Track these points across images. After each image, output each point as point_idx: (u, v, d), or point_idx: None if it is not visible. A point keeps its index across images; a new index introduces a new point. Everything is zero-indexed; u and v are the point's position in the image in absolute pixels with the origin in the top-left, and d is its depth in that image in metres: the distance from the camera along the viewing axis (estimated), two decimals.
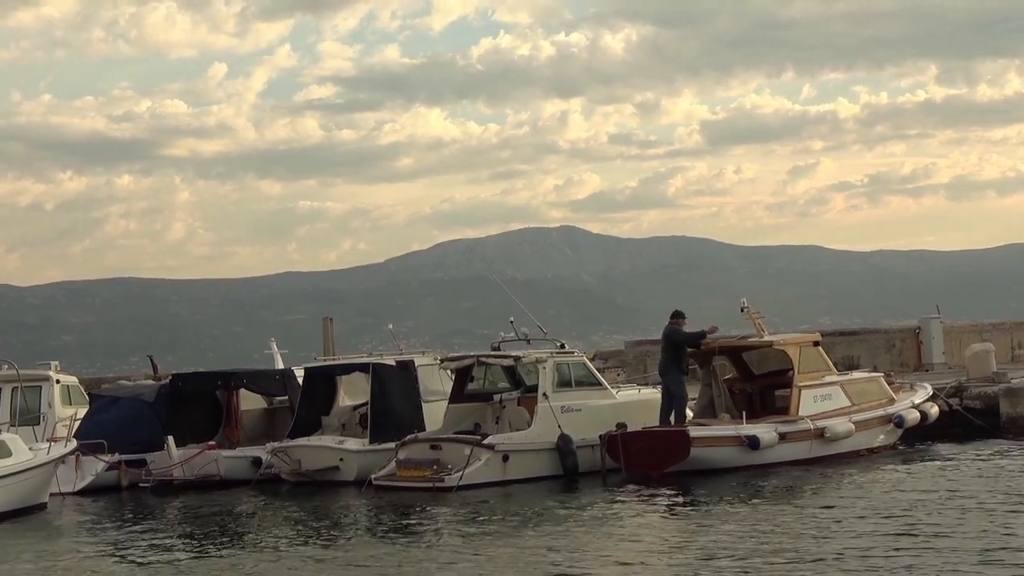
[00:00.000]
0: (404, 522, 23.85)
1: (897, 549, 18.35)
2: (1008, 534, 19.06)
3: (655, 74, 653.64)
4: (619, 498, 25.45)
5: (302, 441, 30.63)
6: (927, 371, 43.41)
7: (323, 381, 32.31)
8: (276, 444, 30.81)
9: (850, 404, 30.60)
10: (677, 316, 31.00)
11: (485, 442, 28.35)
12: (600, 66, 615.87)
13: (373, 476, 28.57)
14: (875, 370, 36.95)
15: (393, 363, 31.22)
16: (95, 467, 30.72)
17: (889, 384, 32.62)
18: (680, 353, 30.28)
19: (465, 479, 27.45)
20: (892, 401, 31.65)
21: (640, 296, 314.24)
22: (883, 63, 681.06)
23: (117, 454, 30.99)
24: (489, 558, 19.43)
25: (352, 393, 32.83)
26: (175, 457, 31.00)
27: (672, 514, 23.41)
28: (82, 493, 30.18)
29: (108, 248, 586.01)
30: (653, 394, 32.15)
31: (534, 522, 22.76)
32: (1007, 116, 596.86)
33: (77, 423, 31.65)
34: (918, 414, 31.59)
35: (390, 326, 37.56)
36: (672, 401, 29.91)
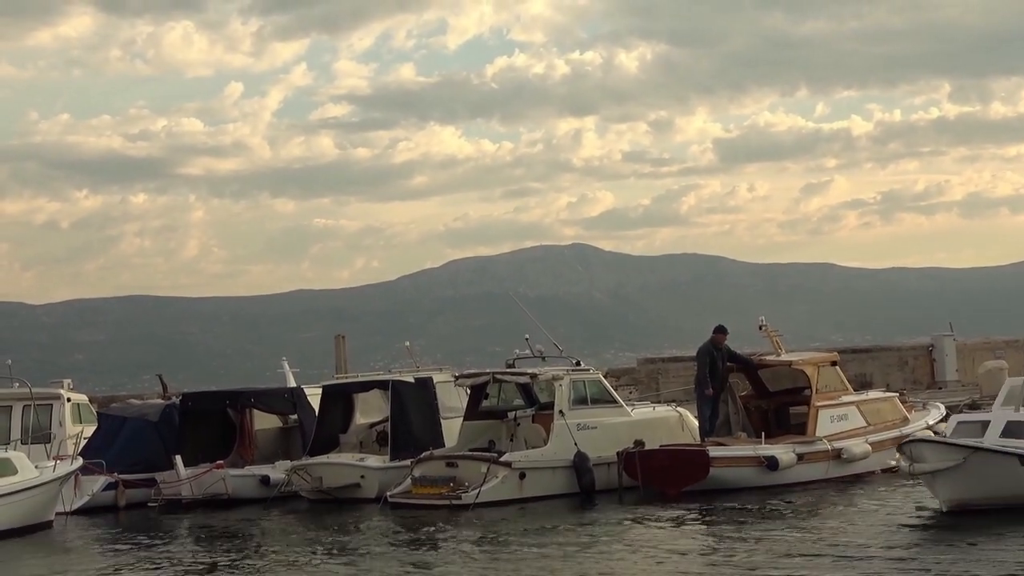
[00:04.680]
0: (422, 539, 23.82)
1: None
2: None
3: (669, 92, 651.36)
4: (637, 516, 25.37)
5: (323, 458, 30.60)
6: (940, 388, 43.37)
7: (340, 399, 32.30)
8: (296, 462, 30.79)
9: (866, 424, 30.55)
10: (716, 331, 31.01)
11: (502, 459, 28.29)
12: (614, 84, 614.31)
13: (388, 493, 28.50)
14: (889, 389, 36.88)
15: (412, 380, 31.19)
16: (92, 486, 30.69)
17: (903, 404, 32.54)
18: (705, 370, 30.31)
19: (482, 496, 27.39)
20: (906, 421, 31.57)
21: (652, 314, 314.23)
22: (896, 81, 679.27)
23: (116, 473, 30.95)
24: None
25: (367, 411, 32.82)
26: (183, 475, 30.96)
27: (691, 533, 23.36)
28: (79, 512, 30.07)
29: (122, 266, 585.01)
30: (668, 412, 32.17)
31: (552, 540, 22.70)
32: (1021, 133, 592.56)
33: (84, 442, 31.71)
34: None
35: (407, 343, 37.52)
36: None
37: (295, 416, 33.08)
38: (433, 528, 24.89)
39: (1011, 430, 23.94)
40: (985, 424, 24.54)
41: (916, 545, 20.62)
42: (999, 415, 24.72)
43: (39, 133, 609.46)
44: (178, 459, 31.12)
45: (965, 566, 18.42)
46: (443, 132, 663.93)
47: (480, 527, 24.76)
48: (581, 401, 29.80)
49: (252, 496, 30.73)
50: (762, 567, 19.11)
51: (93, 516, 29.84)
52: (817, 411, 29.86)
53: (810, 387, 30.36)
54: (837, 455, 29.27)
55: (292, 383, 36.19)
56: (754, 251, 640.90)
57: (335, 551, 22.89)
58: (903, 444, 24.06)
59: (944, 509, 23.08)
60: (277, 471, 31.13)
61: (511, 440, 30.18)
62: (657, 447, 29.16)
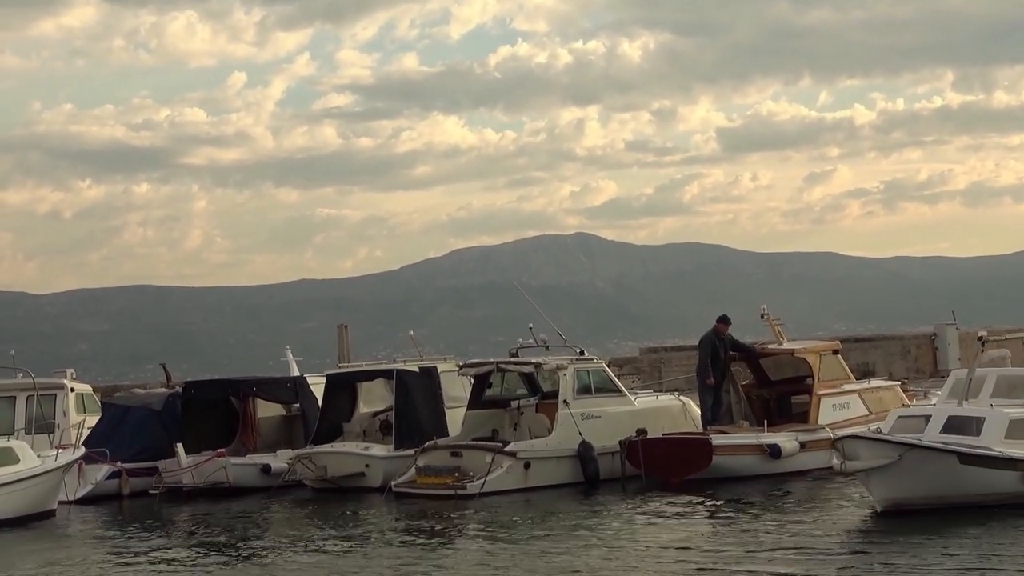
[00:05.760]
0: (428, 529, 23.86)
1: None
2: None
3: (672, 82, 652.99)
4: (642, 505, 25.43)
5: (327, 447, 30.63)
6: (943, 377, 43.27)
7: (344, 388, 32.34)
8: (301, 451, 30.83)
9: (868, 413, 30.48)
10: (719, 321, 31.11)
11: (507, 449, 28.33)
12: (617, 74, 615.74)
13: (393, 483, 28.55)
14: (891, 377, 36.89)
15: (417, 369, 31.22)
16: (96, 475, 30.76)
17: (905, 392, 32.52)
18: (707, 359, 30.37)
19: (487, 486, 27.45)
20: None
21: (655, 303, 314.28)
22: (900, 70, 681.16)
23: (119, 462, 31.01)
24: (516, 565, 19.47)
25: (370, 400, 32.83)
26: (184, 464, 31.00)
27: (695, 522, 23.37)
28: (83, 501, 30.14)
29: (125, 256, 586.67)
30: (671, 400, 32.19)
31: (557, 530, 22.78)
32: None
33: (87, 431, 31.76)
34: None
35: (411, 332, 37.54)
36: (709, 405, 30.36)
37: (298, 405, 33.13)
38: (438, 518, 24.93)
39: (953, 425, 22.99)
40: (926, 419, 23.53)
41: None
42: (941, 409, 23.85)
43: (42, 123, 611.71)
44: (179, 447, 31.11)
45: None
46: (446, 122, 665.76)
47: (485, 517, 24.81)
48: (585, 390, 29.82)
49: (253, 485, 30.74)
50: (749, 561, 19.18)
51: (97, 505, 29.89)
52: (819, 399, 29.89)
53: (812, 376, 30.39)
54: None
55: (295, 372, 36.24)
56: (757, 240, 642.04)
57: (340, 541, 22.90)
58: (836, 440, 23.08)
59: (879, 509, 22.24)
60: (278, 460, 31.16)
61: (514, 429, 30.22)
62: (660, 436, 29.22)
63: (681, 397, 32.50)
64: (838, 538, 20.55)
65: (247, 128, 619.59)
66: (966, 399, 23.71)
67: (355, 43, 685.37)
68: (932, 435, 22.79)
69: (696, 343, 32.96)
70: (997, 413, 23.11)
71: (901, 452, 21.89)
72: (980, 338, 25.05)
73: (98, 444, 30.99)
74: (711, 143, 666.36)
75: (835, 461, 22.74)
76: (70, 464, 29.11)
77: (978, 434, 22.66)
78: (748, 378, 31.99)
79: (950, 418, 23.17)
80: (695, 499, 25.66)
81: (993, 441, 22.54)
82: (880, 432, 23.54)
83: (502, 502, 26.61)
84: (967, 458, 22.10)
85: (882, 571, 17.75)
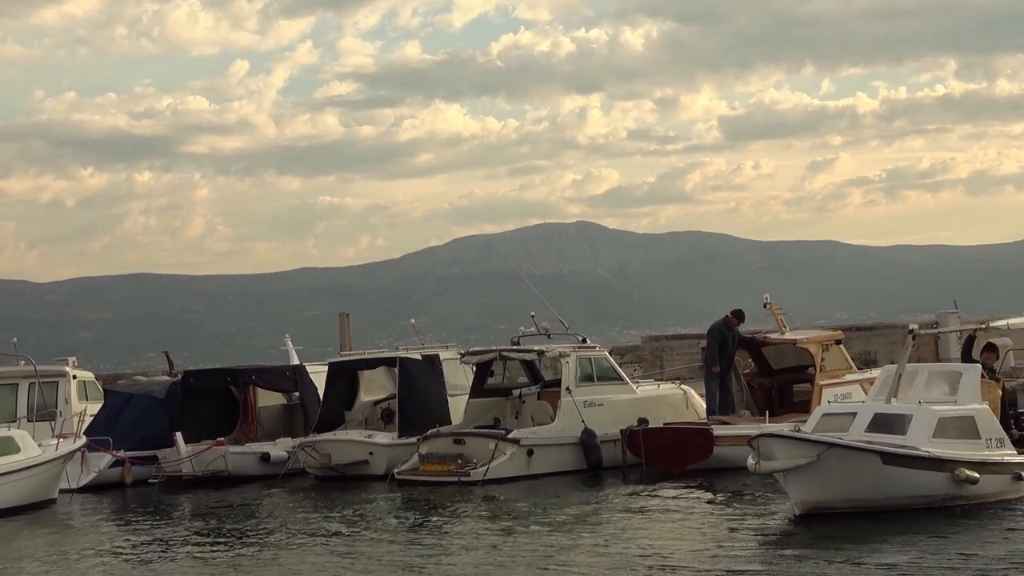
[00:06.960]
0: (433, 516, 23.87)
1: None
2: None
3: (675, 70, 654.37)
4: (644, 494, 25.41)
5: (331, 435, 30.68)
6: None
7: (345, 376, 32.34)
8: (304, 439, 30.85)
9: None
10: (734, 314, 31.14)
11: (510, 436, 28.36)
12: (620, 62, 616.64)
13: (396, 470, 28.60)
14: None
15: (420, 357, 31.21)
16: (99, 463, 30.77)
17: None
18: (715, 349, 30.39)
19: (490, 473, 27.50)
20: None
21: (657, 291, 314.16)
22: (902, 58, 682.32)
23: (122, 450, 31.02)
24: (518, 552, 19.49)
25: (371, 389, 32.83)
26: (183, 453, 31.00)
27: (697, 512, 23.32)
28: (86, 489, 30.17)
29: (127, 245, 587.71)
30: (673, 389, 32.17)
31: (558, 517, 22.83)
32: None
33: (89, 419, 31.77)
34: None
35: (412, 321, 37.49)
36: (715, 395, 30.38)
37: (297, 393, 33.13)
38: (442, 505, 24.96)
39: (879, 423, 21.77)
40: (852, 416, 22.28)
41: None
42: (867, 407, 22.62)
43: (45, 111, 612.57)
44: (178, 436, 31.14)
45: None
46: (448, 110, 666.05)
47: (489, 504, 24.89)
48: (588, 378, 29.86)
49: (252, 473, 30.81)
50: (768, 545, 19.18)
51: (99, 493, 29.92)
52: (821, 389, 29.84)
53: (814, 365, 30.36)
54: None
55: (295, 360, 36.24)
56: (759, 229, 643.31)
57: (344, 528, 22.93)
58: (752, 438, 21.64)
59: (796, 512, 20.98)
60: (278, 448, 31.23)
61: (516, 418, 30.28)
62: (661, 425, 29.21)
63: (683, 386, 32.48)
64: (750, 543, 19.70)
65: (249, 116, 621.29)
66: (895, 396, 22.59)
67: (357, 31, 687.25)
68: (857, 434, 21.61)
69: (698, 332, 33.00)
70: (925, 411, 21.85)
71: (820, 451, 20.67)
72: (911, 331, 23.75)
73: (100, 432, 31.00)
74: (713, 132, 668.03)
75: (750, 460, 21.42)
76: (70, 454, 29.12)
77: (904, 433, 21.43)
78: (750, 367, 31.98)
79: (876, 416, 21.97)
80: (695, 488, 25.68)
81: (920, 440, 21.25)
82: (800, 430, 22.44)
83: (505, 489, 26.66)
84: (891, 458, 20.84)
85: None
